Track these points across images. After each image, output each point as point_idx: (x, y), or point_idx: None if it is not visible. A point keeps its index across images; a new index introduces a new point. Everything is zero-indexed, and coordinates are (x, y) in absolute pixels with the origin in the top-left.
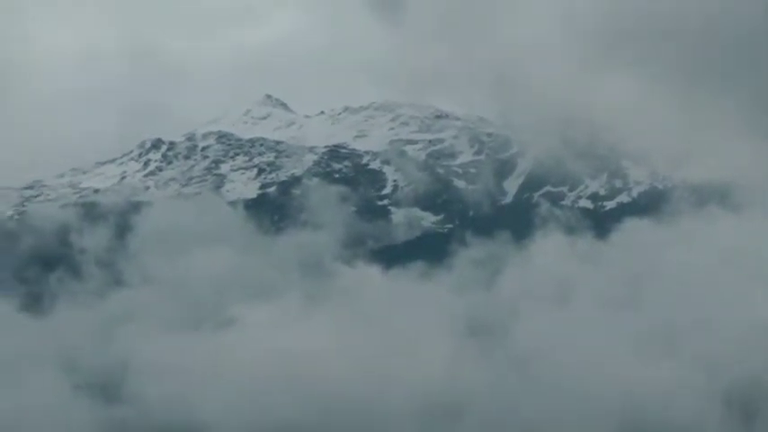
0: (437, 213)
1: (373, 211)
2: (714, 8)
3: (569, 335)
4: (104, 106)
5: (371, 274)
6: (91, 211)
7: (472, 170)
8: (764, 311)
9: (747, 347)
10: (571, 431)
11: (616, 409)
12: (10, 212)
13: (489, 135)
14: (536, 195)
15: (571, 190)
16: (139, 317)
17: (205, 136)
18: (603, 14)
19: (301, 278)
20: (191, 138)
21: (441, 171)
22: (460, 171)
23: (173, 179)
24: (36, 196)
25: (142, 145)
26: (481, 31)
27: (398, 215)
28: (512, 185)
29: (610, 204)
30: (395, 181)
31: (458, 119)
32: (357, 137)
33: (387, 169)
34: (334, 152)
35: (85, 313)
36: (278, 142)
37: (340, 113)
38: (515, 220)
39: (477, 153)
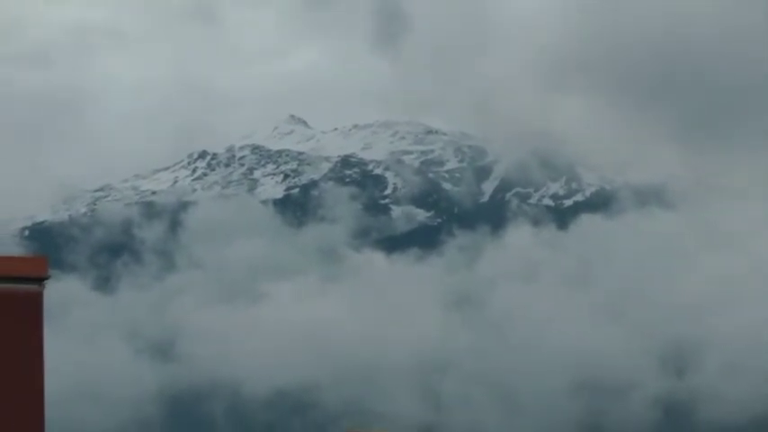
0: (429, 210)
1: (377, 208)
2: (649, 45)
3: (536, 306)
4: (160, 124)
5: (376, 258)
6: (149, 209)
7: (457, 175)
8: (692, 288)
9: (677, 316)
10: (536, 382)
11: (572, 365)
12: (84, 210)
13: (470, 147)
14: (508, 195)
15: (536, 191)
16: (188, 294)
17: (241, 148)
18: (562, 52)
19: (319, 262)
20: (230, 149)
21: (431, 176)
22: (447, 176)
23: (215, 183)
24: (105, 197)
25: (191, 156)
26: (463, 64)
27: (397, 211)
28: (488, 187)
29: (567, 202)
30: (394, 184)
31: (445, 134)
32: (364, 148)
33: (388, 174)
34: (346, 161)
35: (145, 291)
36: (300, 153)
37: (350, 130)
38: (492, 215)
39: (461, 161)
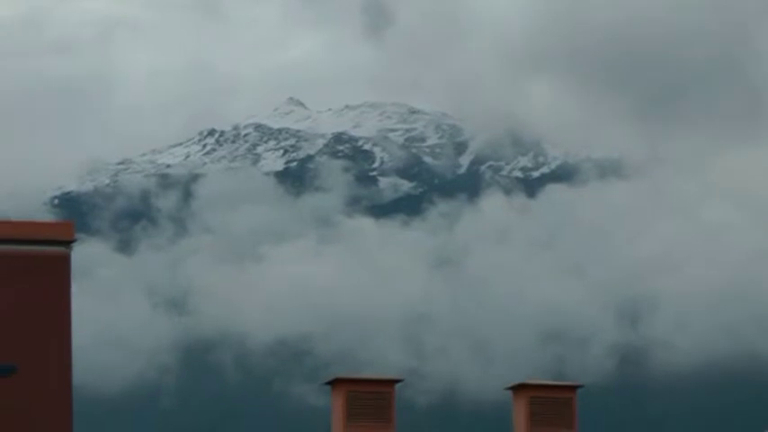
0: (412, 180)
1: (367, 179)
2: (610, 30)
3: (508, 267)
4: (174, 106)
5: (366, 223)
6: (165, 180)
7: (437, 150)
8: (646, 250)
9: (633, 275)
10: (507, 334)
11: (540, 319)
12: (107, 181)
13: (449, 125)
14: (482, 168)
15: (507, 164)
16: (199, 255)
17: (246, 126)
18: (529, 41)
19: (315, 227)
20: (236, 128)
21: (414, 150)
22: (428, 150)
23: (223, 157)
24: (126, 169)
25: (201, 133)
26: (442, 52)
27: (384, 182)
28: (465, 160)
29: (535, 174)
30: (382, 158)
31: (426, 114)
32: (354, 126)
33: (376, 149)
34: (338, 137)
35: (161, 253)
36: (298, 130)
37: (342, 110)
38: (468, 185)
39: (440, 138)
